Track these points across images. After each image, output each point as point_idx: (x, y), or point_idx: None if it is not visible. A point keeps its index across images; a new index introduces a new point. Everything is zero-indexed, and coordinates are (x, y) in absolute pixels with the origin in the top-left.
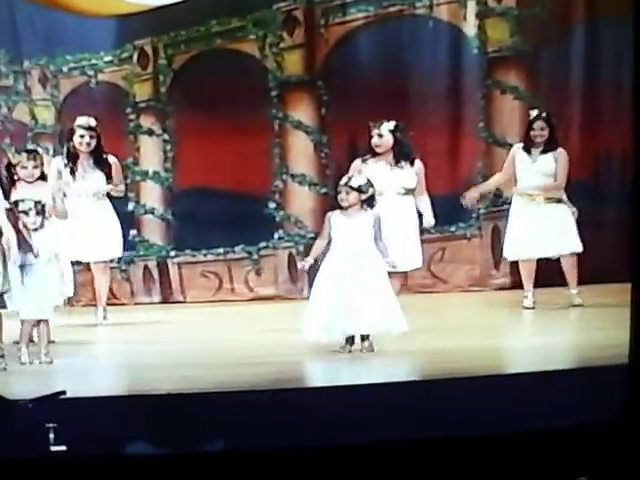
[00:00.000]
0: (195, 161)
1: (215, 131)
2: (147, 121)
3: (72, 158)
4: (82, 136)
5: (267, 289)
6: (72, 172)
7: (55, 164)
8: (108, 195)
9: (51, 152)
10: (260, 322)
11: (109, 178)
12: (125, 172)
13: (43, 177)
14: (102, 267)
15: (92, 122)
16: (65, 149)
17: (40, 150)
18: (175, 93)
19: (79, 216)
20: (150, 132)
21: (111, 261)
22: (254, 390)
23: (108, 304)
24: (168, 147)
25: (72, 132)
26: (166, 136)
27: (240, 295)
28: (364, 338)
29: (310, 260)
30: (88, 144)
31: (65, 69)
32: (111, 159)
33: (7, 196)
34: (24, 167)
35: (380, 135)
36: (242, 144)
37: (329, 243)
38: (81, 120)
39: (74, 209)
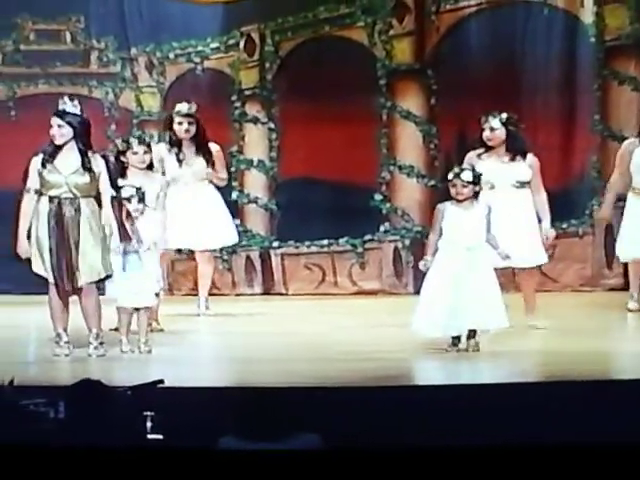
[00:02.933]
0: (300, 150)
1: (321, 120)
2: (252, 109)
3: (175, 145)
4: (180, 123)
5: (371, 283)
6: (178, 159)
7: (158, 151)
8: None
9: (155, 139)
10: (363, 317)
11: (211, 165)
12: (227, 160)
13: (152, 165)
14: (208, 256)
15: (191, 109)
16: (167, 136)
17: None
18: (281, 80)
19: (185, 203)
20: (255, 120)
21: (213, 251)
22: (355, 387)
23: (209, 294)
24: (273, 136)
25: (171, 119)
26: (271, 124)
27: (343, 289)
28: (471, 336)
29: (430, 259)
30: (187, 130)
31: (171, 56)
32: (213, 147)
33: (115, 184)
34: (135, 153)
35: (492, 128)
36: (349, 133)
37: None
38: (180, 107)
39: (180, 196)
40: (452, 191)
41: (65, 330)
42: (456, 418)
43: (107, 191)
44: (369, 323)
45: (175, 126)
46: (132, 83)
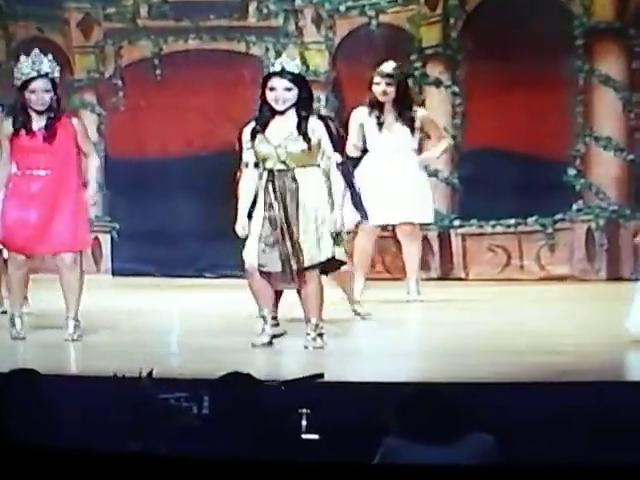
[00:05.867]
0: (487, 117)
1: (510, 84)
2: (434, 70)
3: (377, 108)
4: (378, 83)
5: (560, 268)
6: (378, 123)
7: (358, 114)
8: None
9: (323, 102)
10: (551, 305)
11: (413, 133)
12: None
13: None
14: (410, 231)
15: (390, 68)
16: (368, 98)
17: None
18: (467, 39)
19: (383, 173)
20: (437, 83)
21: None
22: (541, 382)
23: (378, 279)
24: (457, 101)
25: (371, 80)
26: (455, 88)
27: (529, 273)
28: None
29: None
30: (384, 92)
31: (342, 8)
32: (420, 112)
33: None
34: None
35: None
36: (540, 100)
37: None
38: (381, 66)
39: (378, 165)
40: None
41: (271, 312)
42: None
43: (332, 158)
44: (558, 312)
45: (374, 87)
46: (296, 39)
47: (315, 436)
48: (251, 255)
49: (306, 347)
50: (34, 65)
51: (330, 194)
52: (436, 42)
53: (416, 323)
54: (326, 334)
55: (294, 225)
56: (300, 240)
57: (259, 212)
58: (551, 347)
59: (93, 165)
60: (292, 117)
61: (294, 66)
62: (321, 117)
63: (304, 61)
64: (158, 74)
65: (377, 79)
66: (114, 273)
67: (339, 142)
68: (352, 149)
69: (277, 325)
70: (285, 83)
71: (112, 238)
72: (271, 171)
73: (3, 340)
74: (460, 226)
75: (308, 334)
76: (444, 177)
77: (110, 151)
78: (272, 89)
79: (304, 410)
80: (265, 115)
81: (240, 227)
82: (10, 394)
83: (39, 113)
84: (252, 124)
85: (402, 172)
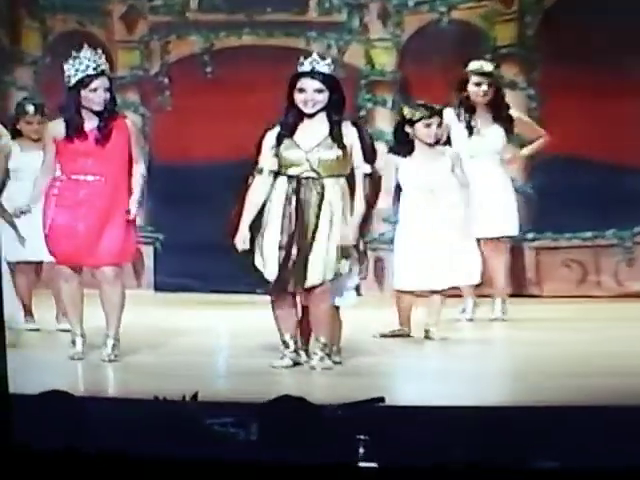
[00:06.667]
0: (565, 123)
1: (592, 88)
2: (509, 71)
3: (468, 110)
4: (479, 84)
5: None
6: (468, 127)
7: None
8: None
9: (389, 104)
10: (630, 324)
11: (509, 135)
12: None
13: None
14: (495, 245)
15: (489, 67)
16: (457, 100)
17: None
18: (544, 38)
19: (472, 182)
20: (512, 85)
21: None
22: (618, 406)
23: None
24: (533, 104)
25: (465, 80)
26: (531, 91)
27: (606, 290)
28: None
29: None
30: (485, 93)
31: (410, 3)
32: (514, 113)
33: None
34: (428, 125)
35: None
36: (625, 106)
37: None
38: (476, 65)
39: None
40: None
41: (292, 337)
42: None
43: (361, 168)
44: (637, 331)
45: (471, 87)
46: (361, 35)
47: (373, 464)
48: (270, 269)
49: (313, 368)
50: (90, 62)
51: (350, 207)
52: (511, 41)
53: (491, 343)
54: (340, 354)
55: (310, 239)
56: (314, 254)
57: (274, 223)
58: (630, 369)
59: (139, 172)
60: (322, 121)
61: (325, 66)
62: (354, 123)
63: (369, 60)
64: (208, 72)
65: (477, 79)
66: (157, 288)
67: (370, 152)
68: None
69: (299, 350)
70: (316, 84)
71: (155, 250)
72: (297, 179)
73: (37, 358)
74: (534, 239)
75: (315, 354)
76: (517, 186)
77: (154, 155)
78: (301, 90)
79: (362, 436)
80: (292, 118)
81: (241, 240)
82: (42, 416)
83: (94, 113)
84: (277, 128)
85: (489, 180)
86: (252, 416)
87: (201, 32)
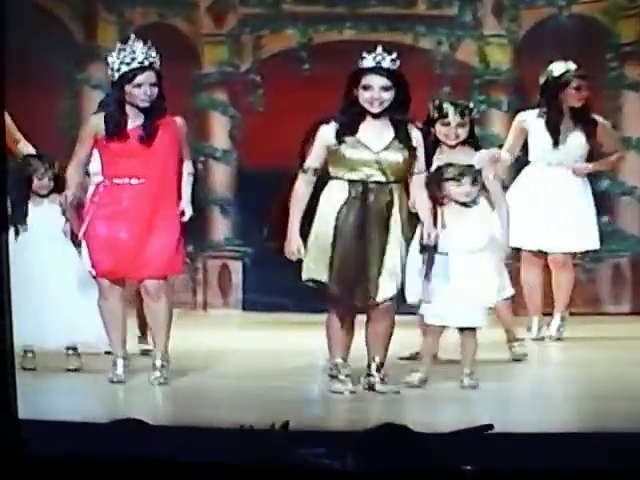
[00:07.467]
0: None
1: None
2: (633, 71)
3: (555, 117)
4: (578, 88)
5: None
6: (553, 135)
7: (523, 121)
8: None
9: (504, 106)
10: None
11: (590, 141)
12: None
13: (470, 140)
14: (562, 261)
15: (582, 70)
16: (545, 103)
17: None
18: None
19: (549, 189)
20: (637, 86)
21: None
22: None
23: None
24: None
25: (555, 83)
26: None
27: None
28: None
29: None
30: (581, 98)
31: None
32: (599, 118)
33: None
34: (448, 124)
35: None
36: None
37: None
38: (562, 66)
39: (544, 179)
40: None
41: (345, 359)
42: None
43: (423, 174)
44: None
45: (570, 91)
46: (474, 31)
47: None
48: (335, 281)
49: (371, 388)
50: (137, 54)
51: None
52: (636, 38)
53: (582, 363)
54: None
55: (380, 249)
56: (385, 266)
57: (333, 230)
58: None
59: (187, 172)
60: (386, 122)
61: (391, 62)
62: (416, 126)
63: (483, 57)
64: (306, 69)
65: (576, 82)
66: (245, 307)
67: (429, 157)
68: (505, 155)
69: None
70: (383, 81)
71: (244, 265)
72: (363, 183)
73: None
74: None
75: (372, 375)
76: (638, 195)
77: (244, 160)
78: (367, 88)
79: (468, 467)
80: (354, 117)
81: (295, 247)
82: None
83: (139, 110)
84: (333, 124)
85: (569, 189)
86: (348, 446)
87: (297, 26)
